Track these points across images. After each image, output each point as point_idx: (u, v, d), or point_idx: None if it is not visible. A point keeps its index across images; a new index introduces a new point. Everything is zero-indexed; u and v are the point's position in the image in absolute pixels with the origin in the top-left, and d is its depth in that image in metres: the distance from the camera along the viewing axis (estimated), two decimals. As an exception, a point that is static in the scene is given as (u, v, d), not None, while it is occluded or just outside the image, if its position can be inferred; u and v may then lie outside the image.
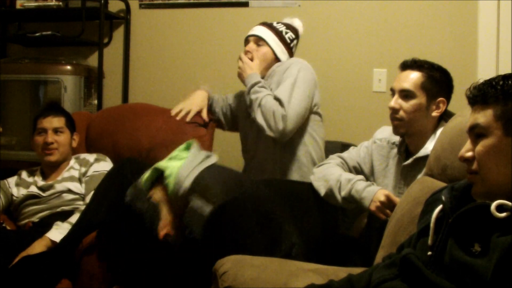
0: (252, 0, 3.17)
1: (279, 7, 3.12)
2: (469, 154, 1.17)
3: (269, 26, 2.54)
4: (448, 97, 2.01)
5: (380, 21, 3.00)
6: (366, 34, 3.02)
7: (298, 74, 2.36)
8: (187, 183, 1.83)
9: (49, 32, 3.20)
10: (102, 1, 3.12)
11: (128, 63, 3.38)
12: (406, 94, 1.97)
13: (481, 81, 1.20)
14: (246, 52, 2.49)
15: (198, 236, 1.75)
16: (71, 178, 2.44)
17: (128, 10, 3.35)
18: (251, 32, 2.54)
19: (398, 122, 1.98)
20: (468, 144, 1.19)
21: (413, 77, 1.97)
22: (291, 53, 2.56)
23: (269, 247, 1.81)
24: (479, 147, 1.15)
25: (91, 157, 2.52)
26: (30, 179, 2.50)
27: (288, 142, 2.38)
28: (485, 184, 1.14)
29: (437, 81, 1.98)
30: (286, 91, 2.31)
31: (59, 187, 2.41)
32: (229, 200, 1.79)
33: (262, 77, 2.43)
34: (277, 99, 2.30)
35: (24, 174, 2.54)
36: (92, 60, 3.35)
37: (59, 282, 2.05)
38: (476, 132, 1.16)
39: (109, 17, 3.32)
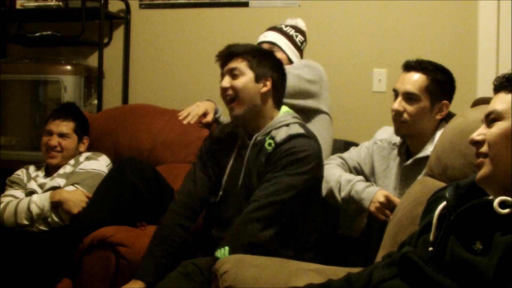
0: (252, 0, 3.17)
1: (279, 7, 3.12)
2: (480, 137, 1.18)
3: (280, 31, 2.53)
4: (450, 99, 2.00)
5: (380, 21, 3.00)
6: (366, 34, 3.02)
7: (302, 64, 2.41)
8: None
9: (49, 32, 3.21)
10: (102, 1, 3.12)
11: (128, 63, 3.38)
12: (410, 97, 1.95)
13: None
14: None
15: None
16: (62, 175, 2.44)
17: (128, 10, 3.35)
18: (263, 39, 2.52)
19: (401, 124, 1.97)
20: (481, 129, 1.20)
21: (417, 80, 1.95)
22: (301, 56, 2.58)
23: None
24: (493, 129, 1.16)
25: (84, 155, 2.53)
26: (34, 174, 2.52)
27: None
28: (492, 168, 1.14)
29: (441, 84, 1.97)
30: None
31: (51, 183, 2.41)
32: None
33: None
34: None
35: (31, 169, 2.56)
36: (92, 60, 3.35)
37: (59, 281, 2.05)
38: (492, 118, 1.17)
39: (109, 17, 3.32)
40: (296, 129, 1.91)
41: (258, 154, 1.93)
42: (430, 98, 1.95)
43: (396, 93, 2.00)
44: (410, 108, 1.95)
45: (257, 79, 1.93)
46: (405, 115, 1.95)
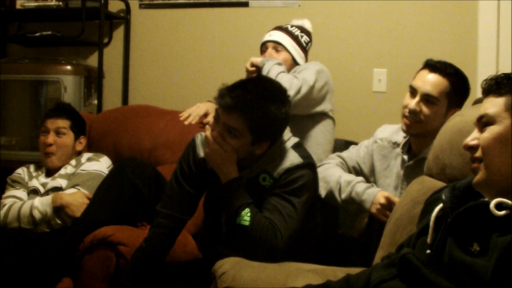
0: (252, 0, 3.17)
1: (279, 7, 3.12)
2: (474, 142, 1.18)
3: (285, 30, 2.53)
4: (462, 106, 1.99)
5: (380, 21, 3.00)
6: (366, 34, 3.02)
7: (316, 70, 2.38)
8: None
9: (49, 32, 3.21)
10: (102, 1, 3.12)
11: (128, 63, 3.38)
12: (429, 99, 1.92)
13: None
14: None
15: None
16: (64, 175, 2.44)
17: (128, 10, 3.35)
18: (268, 38, 2.52)
19: (415, 123, 1.94)
20: (474, 133, 1.19)
21: (440, 84, 1.92)
22: (306, 57, 2.58)
23: None
24: (486, 133, 1.16)
25: (85, 156, 2.52)
26: (35, 173, 2.51)
27: (302, 137, 2.38)
28: (487, 172, 1.14)
29: (461, 91, 1.95)
30: (299, 76, 2.34)
31: (53, 183, 2.41)
32: None
33: None
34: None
35: (31, 168, 2.55)
36: (92, 60, 3.35)
37: (60, 281, 2.05)
38: (483, 122, 1.17)
39: (109, 17, 3.32)
40: (292, 158, 1.80)
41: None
42: (447, 103, 1.93)
43: (413, 91, 1.96)
44: (426, 110, 1.92)
45: (253, 142, 1.76)
46: (421, 116, 1.93)
